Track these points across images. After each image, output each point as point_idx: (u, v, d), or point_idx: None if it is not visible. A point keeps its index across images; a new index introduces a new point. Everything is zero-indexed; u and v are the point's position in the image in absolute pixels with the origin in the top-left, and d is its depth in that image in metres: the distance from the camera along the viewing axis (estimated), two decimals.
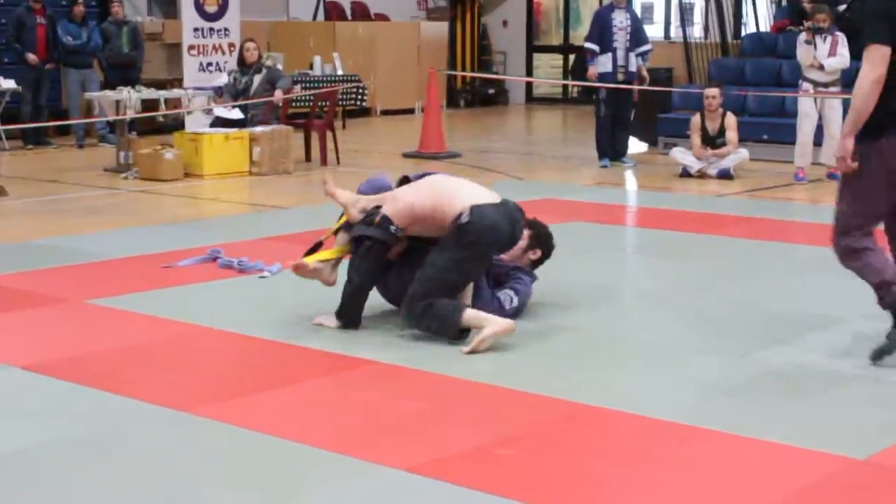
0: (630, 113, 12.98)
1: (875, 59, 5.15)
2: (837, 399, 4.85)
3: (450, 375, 5.09)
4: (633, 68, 12.68)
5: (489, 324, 5.50)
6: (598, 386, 5.03)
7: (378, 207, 5.80)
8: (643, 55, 12.77)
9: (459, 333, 5.58)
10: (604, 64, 12.62)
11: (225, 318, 6.05)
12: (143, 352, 5.53)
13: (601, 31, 12.63)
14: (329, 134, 12.92)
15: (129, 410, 4.68)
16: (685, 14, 18.79)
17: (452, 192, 5.78)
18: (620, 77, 12.60)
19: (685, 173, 11.76)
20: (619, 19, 12.57)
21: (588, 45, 12.81)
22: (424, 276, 5.67)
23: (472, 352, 5.43)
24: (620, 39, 12.58)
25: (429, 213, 5.73)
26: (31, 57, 14.02)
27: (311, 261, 6.05)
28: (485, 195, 5.80)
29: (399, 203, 5.77)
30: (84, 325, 6.03)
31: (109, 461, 4.17)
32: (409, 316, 5.68)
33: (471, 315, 5.58)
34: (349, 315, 5.87)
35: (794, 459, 4.14)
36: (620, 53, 12.59)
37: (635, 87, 12.79)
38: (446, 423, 4.54)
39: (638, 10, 13.22)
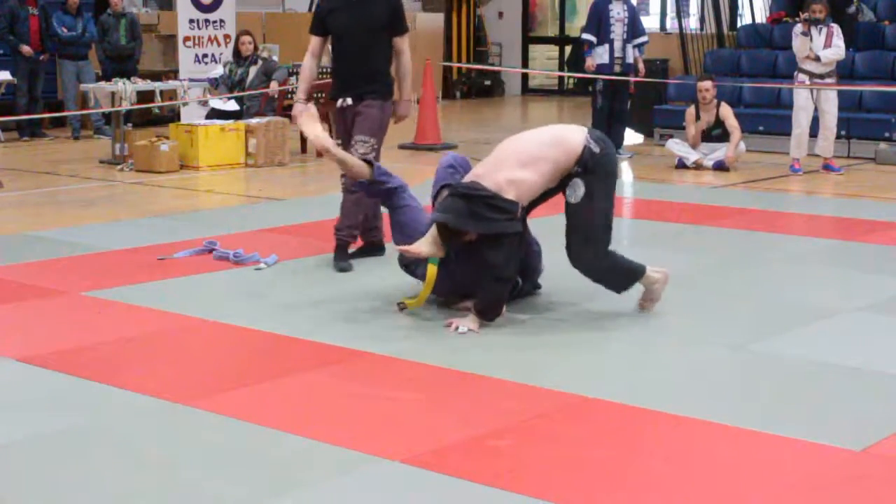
0: (626, 105, 12.95)
1: (408, 45, 7.09)
2: (834, 391, 4.86)
3: (443, 367, 5.09)
4: (629, 60, 12.67)
5: (659, 282, 5.94)
6: (593, 377, 5.04)
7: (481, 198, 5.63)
8: (640, 47, 12.76)
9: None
10: (601, 55, 12.61)
11: (220, 310, 6.04)
12: (138, 344, 5.53)
13: (598, 22, 12.62)
14: (324, 125, 12.89)
15: (124, 402, 4.68)
16: (681, 5, 18.77)
17: (558, 141, 5.75)
18: (617, 69, 12.59)
19: (681, 165, 11.75)
20: (617, 10, 12.55)
21: (585, 36, 12.80)
22: (586, 219, 5.73)
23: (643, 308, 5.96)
24: (617, 31, 12.57)
25: (549, 177, 5.71)
26: (26, 48, 13.99)
27: (412, 303, 5.97)
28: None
29: (525, 185, 5.66)
30: (80, 317, 6.03)
31: (105, 453, 4.17)
32: (594, 268, 5.78)
33: (644, 273, 5.91)
34: (496, 311, 5.72)
35: (790, 451, 4.15)
36: (617, 45, 12.57)
37: (631, 79, 12.78)
38: (440, 415, 4.54)
39: (634, 0, 13.19)
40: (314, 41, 7.04)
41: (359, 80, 6.94)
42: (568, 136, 5.79)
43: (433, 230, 5.73)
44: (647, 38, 13.07)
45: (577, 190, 5.71)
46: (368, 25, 6.87)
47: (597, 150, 5.70)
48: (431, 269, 5.85)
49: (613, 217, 5.89)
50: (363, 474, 3.95)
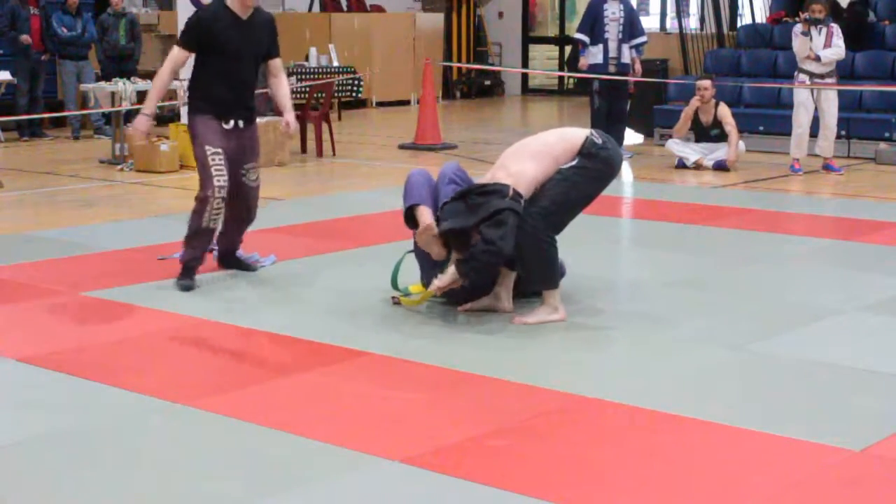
0: (625, 105, 12.86)
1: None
2: (833, 391, 4.86)
3: (443, 367, 5.09)
4: (626, 60, 12.54)
5: (554, 316, 5.80)
6: (592, 377, 5.04)
7: (483, 188, 5.66)
8: (637, 47, 12.66)
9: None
10: (595, 55, 12.52)
11: (219, 310, 6.04)
12: (138, 344, 5.53)
13: (593, 21, 12.55)
14: (325, 125, 12.92)
15: (124, 402, 4.67)
16: (681, 5, 18.78)
17: (561, 137, 5.85)
18: (612, 69, 12.48)
19: (681, 165, 11.76)
20: (612, 10, 12.44)
21: (578, 35, 12.75)
22: (559, 191, 5.71)
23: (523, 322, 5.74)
24: (612, 31, 12.45)
25: (551, 171, 5.75)
26: (25, 37, 13.96)
27: (410, 302, 6.01)
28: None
29: (525, 177, 5.68)
30: (79, 317, 6.03)
31: (104, 453, 4.17)
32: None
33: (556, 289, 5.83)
34: (477, 274, 5.69)
35: (789, 451, 4.15)
36: (612, 45, 12.44)
37: (629, 79, 12.71)
38: (440, 415, 4.54)
39: (634, 0, 13.12)
40: (182, 55, 6.59)
41: (248, 102, 6.74)
42: (571, 132, 5.95)
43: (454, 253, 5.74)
44: (646, 38, 12.97)
45: (569, 162, 5.77)
46: (256, 49, 6.71)
47: (599, 141, 5.81)
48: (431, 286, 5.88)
49: (579, 212, 5.92)
50: (363, 474, 3.95)
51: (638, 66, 12.67)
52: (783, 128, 12.20)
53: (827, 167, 11.50)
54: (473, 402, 4.67)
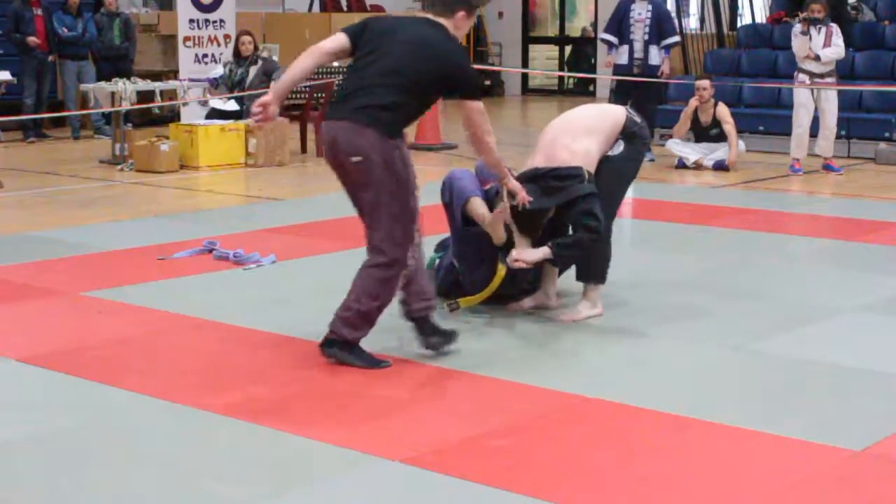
0: (651, 106, 12.48)
1: None
2: (834, 391, 4.86)
3: (444, 367, 5.09)
4: (652, 62, 12.32)
5: (593, 305, 5.91)
6: (593, 377, 5.04)
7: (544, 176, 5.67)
8: (667, 48, 12.45)
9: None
10: (620, 55, 12.39)
11: (220, 310, 6.04)
12: (138, 344, 5.53)
13: (619, 22, 12.46)
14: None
15: (124, 402, 4.68)
16: (681, 5, 18.77)
17: (604, 113, 5.95)
18: (637, 70, 12.34)
19: (681, 165, 11.75)
20: (638, 11, 12.27)
21: (604, 36, 12.69)
22: (615, 179, 5.82)
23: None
24: (638, 32, 12.28)
25: (604, 146, 5.82)
26: (32, 39, 13.95)
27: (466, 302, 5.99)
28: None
29: (591, 156, 5.72)
30: (79, 317, 6.03)
31: (104, 453, 4.17)
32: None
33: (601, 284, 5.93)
34: (570, 261, 5.84)
35: (790, 451, 4.15)
36: (638, 46, 12.28)
37: (633, 80, 12.61)
38: (441, 415, 4.54)
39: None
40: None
41: None
42: (611, 108, 6.11)
43: (516, 234, 5.74)
44: (678, 38, 12.70)
45: (617, 147, 5.84)
46: None
47: (638, 119, 5.93)
48: (502, 270, 5.87)
49: (622, 198, 6.02)
50: (363, 474, 3.95)
51: (665, 67, 12.50)
52: (783, 128, 12.20)
53: (827, 167, 11.50)
54: (473, 402, 4.67)
